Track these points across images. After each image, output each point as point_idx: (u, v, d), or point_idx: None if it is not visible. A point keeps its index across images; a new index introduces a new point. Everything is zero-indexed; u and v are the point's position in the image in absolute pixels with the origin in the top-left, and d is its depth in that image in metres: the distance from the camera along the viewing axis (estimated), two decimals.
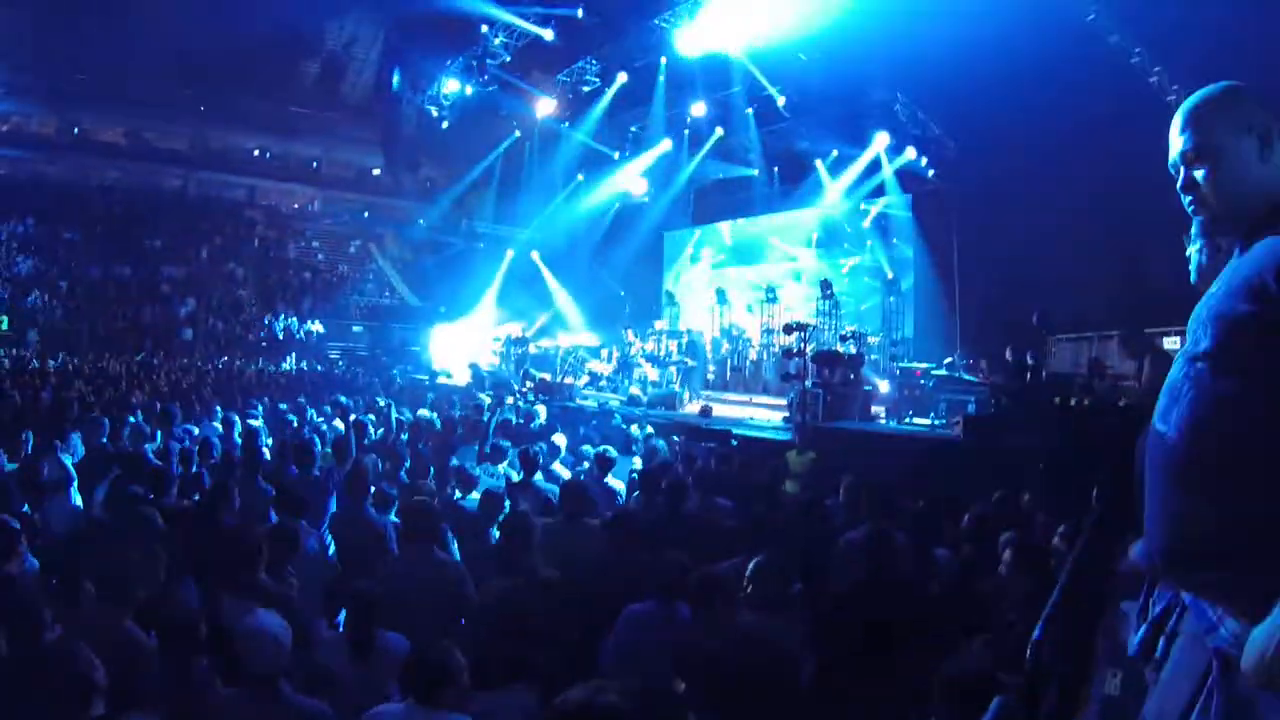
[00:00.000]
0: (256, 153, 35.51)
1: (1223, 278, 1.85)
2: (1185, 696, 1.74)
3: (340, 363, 25.27)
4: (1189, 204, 1.96)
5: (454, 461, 8.26)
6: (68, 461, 7.14)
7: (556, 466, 8.32)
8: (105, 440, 8.44)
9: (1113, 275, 15.03)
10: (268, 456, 8.24)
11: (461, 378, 20.22)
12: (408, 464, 8.11)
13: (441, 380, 20.66)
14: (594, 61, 21.72)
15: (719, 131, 22.74)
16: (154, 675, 3.77)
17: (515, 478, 7.52)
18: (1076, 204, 15.56)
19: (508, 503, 6.14)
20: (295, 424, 11.10)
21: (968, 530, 5.69)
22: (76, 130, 32.55)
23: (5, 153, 30.96)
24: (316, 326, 27.37)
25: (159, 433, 9.51)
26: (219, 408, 12.19)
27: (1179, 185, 1.97)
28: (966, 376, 14.63)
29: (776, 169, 22.93)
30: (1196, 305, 1.87)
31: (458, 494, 7.06)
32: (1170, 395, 1.82)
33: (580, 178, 26.46)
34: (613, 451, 8.13)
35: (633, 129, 24.17)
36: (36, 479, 6.56)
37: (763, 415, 15.38)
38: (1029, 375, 14.19)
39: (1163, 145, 2.05)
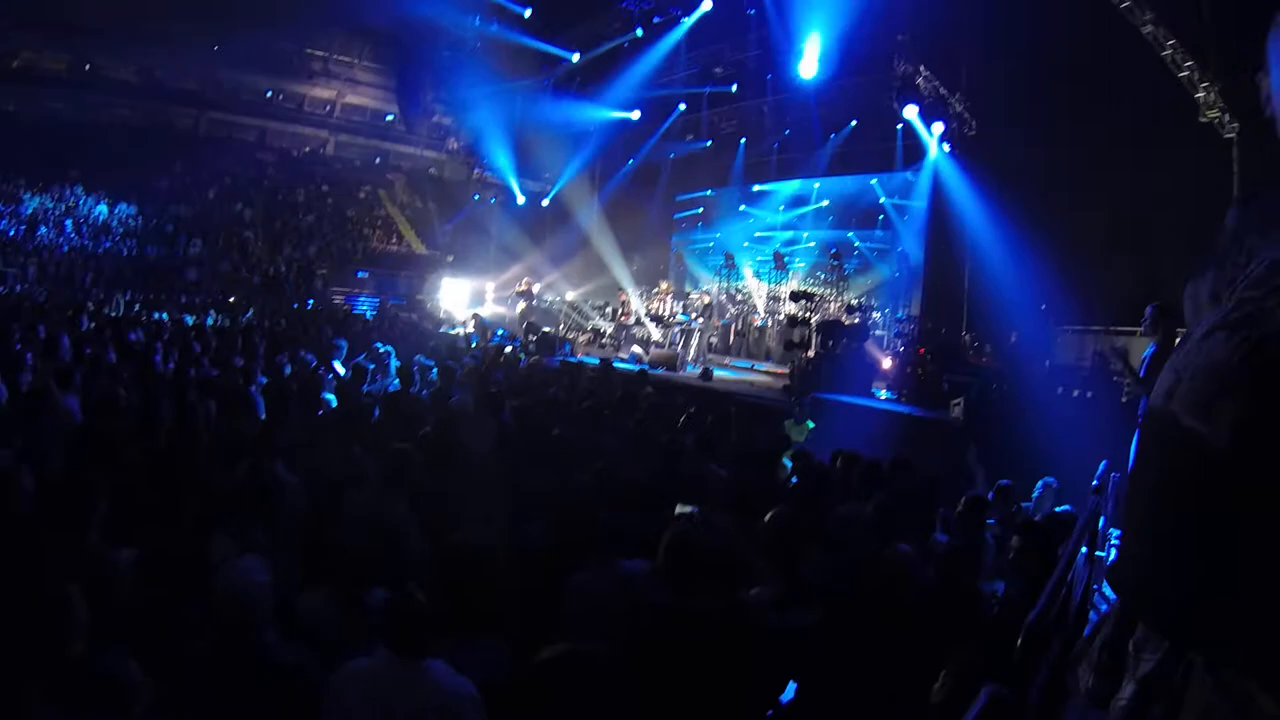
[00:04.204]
0: (269, 94, 35.18)
1: None
2: None
3: (343, 308, 25.22)
4: None
5: None
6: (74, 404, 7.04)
7: None
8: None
9: (1122, 273, 14.89)
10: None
11: (466, 328, 20.22)
12: None
13: (445, 330, 20.66)
14: (613, 15, 21.55)
15: (734, 88, 22.48)
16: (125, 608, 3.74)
17: None
18: (1093, 198, 15.40)
19: None
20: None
21: (962, 515, 5.64)
22: (88, 67, 32.17)
23: (15, 89, 30.60)
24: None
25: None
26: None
27: None
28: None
29: (788, 132, 22.63)
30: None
31: None
32: (1215, 380, 1.33)
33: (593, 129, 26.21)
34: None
35: (648, 89, 23.93)
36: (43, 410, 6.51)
37: (764, 382, 15.32)
38: (1034, 362, 14.13)
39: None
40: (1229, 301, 1.41)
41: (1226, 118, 14.90)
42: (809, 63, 19.42)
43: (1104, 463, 6.56)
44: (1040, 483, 7.50)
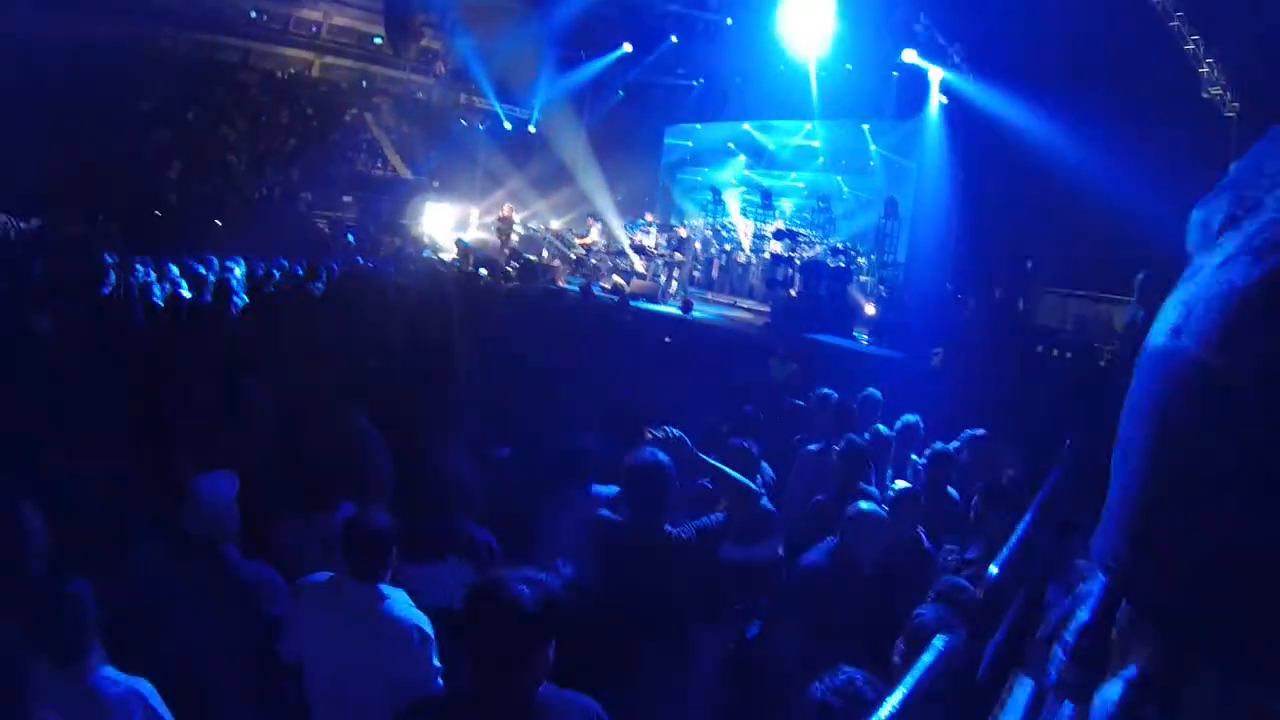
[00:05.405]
0: (254, 14, 34.27)
1: None
2: None
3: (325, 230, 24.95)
4: None
5: None
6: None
7: None
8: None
9: (1111, 239, 14.78)
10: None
11: (449, 253, 20.09)
12: None
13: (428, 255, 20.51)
14: None
15: (729, 20, 21.99)
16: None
17: None
18: (1086, 163, 15.20)
19: None
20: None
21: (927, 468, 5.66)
22: None
23: None
24: None
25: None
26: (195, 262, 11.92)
27: None
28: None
29: (781, 69, 22.21)
30: None
31: None
32: (1237, 310, 1.13)
33: (583, 54, 25.73)
34: None
35: (640, 17, 23.40)
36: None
37: (745, 319, 15.32)
38: (1015, 319, 14.13)
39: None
40: (1251, 225, 1.23)
41: (1228, 96, 14.68)
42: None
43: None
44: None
